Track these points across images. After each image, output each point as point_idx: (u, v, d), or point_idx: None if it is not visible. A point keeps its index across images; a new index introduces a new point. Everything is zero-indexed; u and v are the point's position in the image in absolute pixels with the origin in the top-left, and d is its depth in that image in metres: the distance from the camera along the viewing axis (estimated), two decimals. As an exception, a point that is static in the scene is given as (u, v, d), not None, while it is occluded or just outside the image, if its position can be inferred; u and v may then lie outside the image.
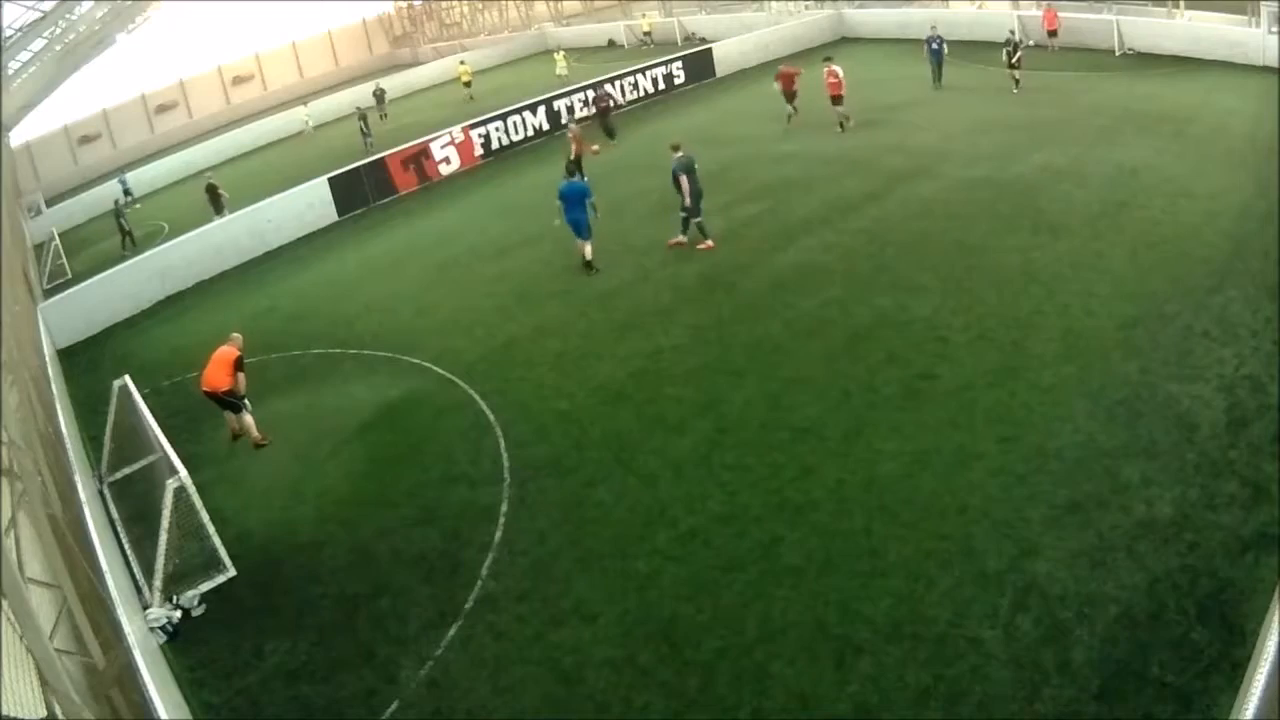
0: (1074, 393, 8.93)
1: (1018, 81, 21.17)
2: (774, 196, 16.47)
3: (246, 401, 11.30)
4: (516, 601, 7.74)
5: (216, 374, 11.09)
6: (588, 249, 14.54)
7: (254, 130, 40.13)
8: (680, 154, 14.48)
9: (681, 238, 14.87)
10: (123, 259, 21.67)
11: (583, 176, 16.69)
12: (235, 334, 11.65)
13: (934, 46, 22.69)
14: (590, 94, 26.16)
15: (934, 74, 22.85)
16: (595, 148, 20.48)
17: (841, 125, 20.03)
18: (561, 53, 36.70)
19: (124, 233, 25.67)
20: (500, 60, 46.56)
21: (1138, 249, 11.71)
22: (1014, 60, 21.16)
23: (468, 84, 37.09)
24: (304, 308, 16.25)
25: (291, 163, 31.12)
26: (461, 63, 39.96)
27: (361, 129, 31.56)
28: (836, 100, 19.96)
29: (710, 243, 14.55)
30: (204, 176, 26.79)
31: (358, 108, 34.11)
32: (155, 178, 35.19)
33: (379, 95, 38.27)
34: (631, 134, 24.26)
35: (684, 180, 14.32)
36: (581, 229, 14.45)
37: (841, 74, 19.80)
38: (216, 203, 24.41)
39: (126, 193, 33.57)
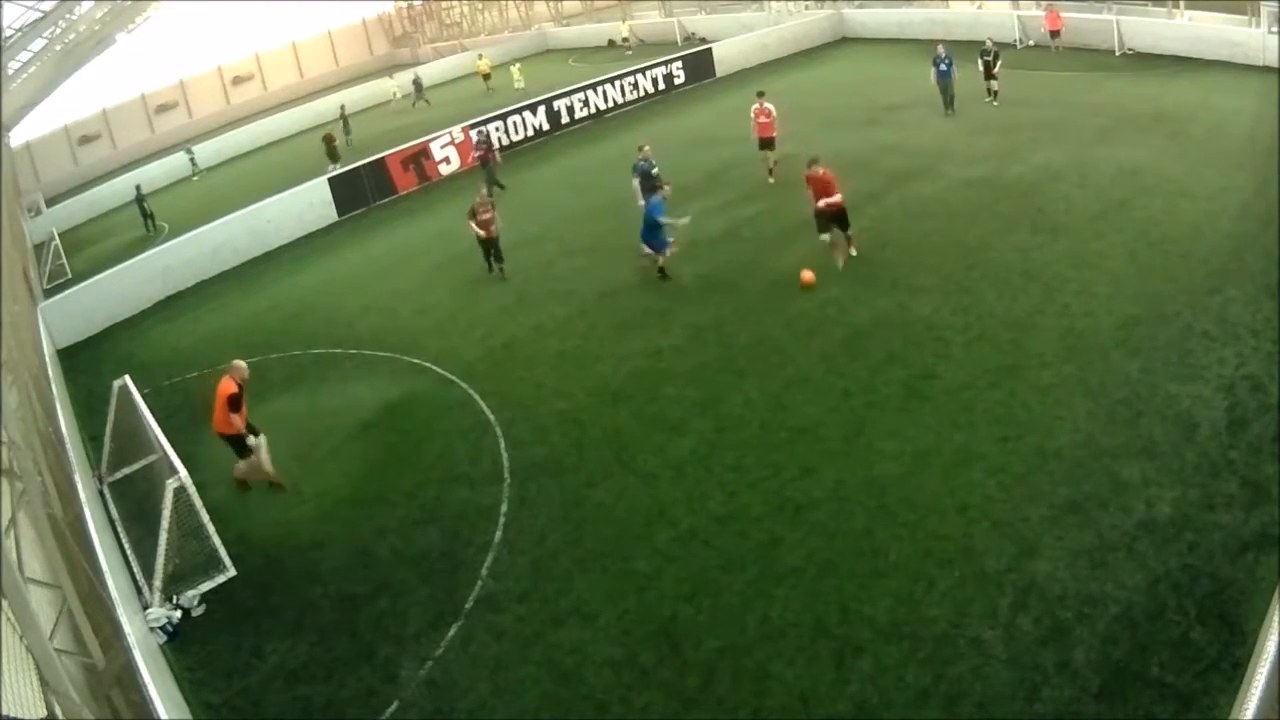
0: (1074, 393, 8.93)
1: (995, 93, 20.01)
2: (774, 196, 16.48)
3: (252, 439, 10.15)
4: (516, 601, 7.75)
5: (219, 415, 10.08)
6: (662, 257, 13.66)
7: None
8: (640, 156, 14.80)
9: (648, 251, 13.82)
10: (148, 243, 22.50)
11: (499, 262, 15.05)
12: (237, 362, 10.41)
13: (942, 68, 19.52)
14: (475, 135, 23.09)
15: (944, 99, 19.88)
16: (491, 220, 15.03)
17: (770, 173, 17.33)
18: (517, 65, 35.92)
19: (146, 216, 27.20)
20: (500, 60, 46.53)
21: (1138, 249, 11.71)
22: (993, 70, 19.90)
23: (487, 76, 37.46)
24: (304, 308, 16.25)
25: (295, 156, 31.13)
26: (480, 56, 40.56)
27: (344, 128, 32.31)
28: (767, 144, 17.24)
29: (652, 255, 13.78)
30: (322, 129, 30.50)
31: (342, 107, 34.78)
32: (155, 177, 35.15)
33: (418, 84, 39.29)
34: (631, 134, 24.21)
35: (636, 182, 14.53)
36: (654, 245, 13.58)
37: (775, 112, 17.12)
38: (333, 153, 26.97)
39: (193, 162, 36.38)
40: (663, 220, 13.37)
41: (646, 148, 15.75)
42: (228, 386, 10.03)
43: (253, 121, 42.37)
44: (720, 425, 9.63)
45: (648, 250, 13.56)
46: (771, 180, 17.25)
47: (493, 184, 20.00)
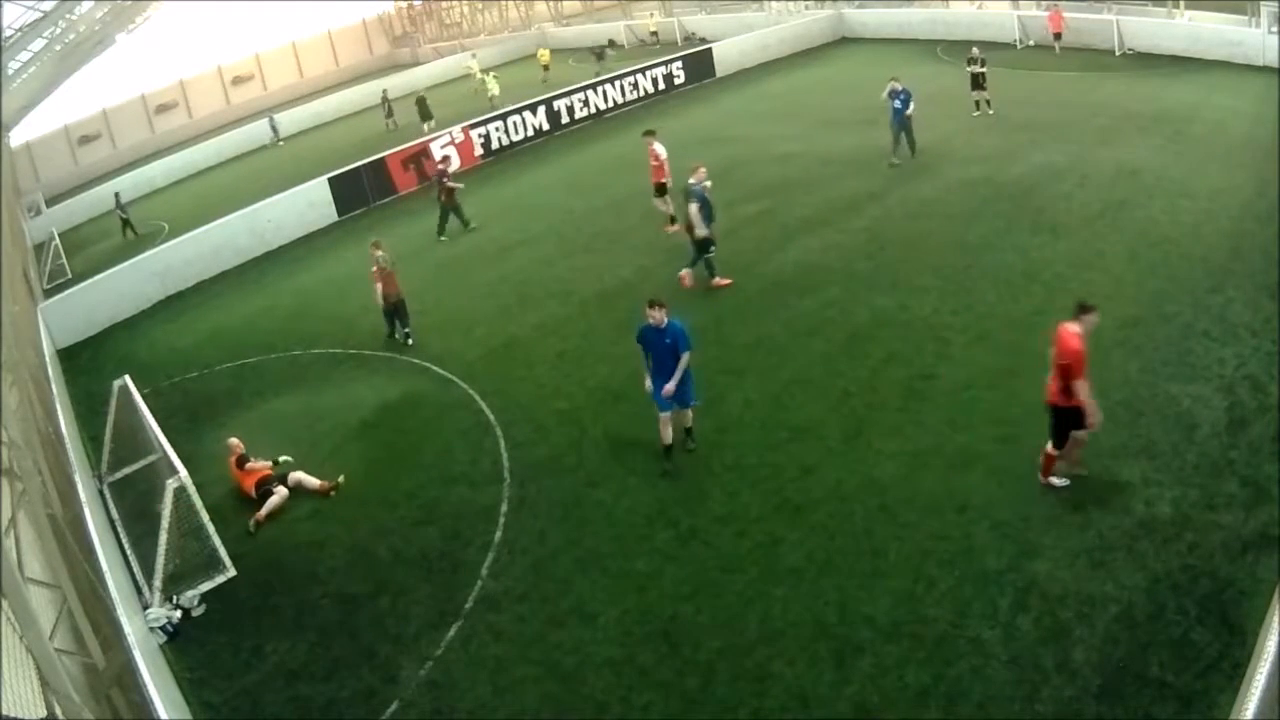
0: (1074, 393, 8.91)
1: (988, 104, 19.23)
2: (774, 196, 16.48)
3: (275, 489, 10.00)
4: (516, 601, 7.75)
5: (246, 486, 10.24)
6: (686, 417, 9.07)
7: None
8: (695, 180, 12.56)
9: (687, 272, 13.05)
10: (128, 248, 22.77)
11: (405, 331, 13.06)
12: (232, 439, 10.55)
13: (896, 105, 16.65)
14: (434, 165, 20.19)
15: (894, 141, 16.91)
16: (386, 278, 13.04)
17: (672, 220, 15.02)
18: (492, 74, 34.16)
19: (124, 222, 27.49)
20: (500, 60, 46.60)
21: (1138, 249, 11.71)
22: (981, 81, 19.10)
23: (546, 67, 37.33)
24: (304, 307, 16.25)
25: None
26: (540, 49, 40.68)
27: (386, 112, 34.20)
28: (660, 190, 15.21)
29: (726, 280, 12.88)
30: (416, 92, 33.01)
31: (385, 91, 36.02)
32: (154, 178, 35.16)
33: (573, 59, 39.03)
34: (632, 134, 24.25)
35: (694, 208, 12.44)
36: (680, 395, 8.73)
37: (664, 154, 14.91)
38: (425, 112, 29.55)
39: (274, 129, 38.73)
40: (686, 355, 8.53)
41: (702, 169, 12.76)
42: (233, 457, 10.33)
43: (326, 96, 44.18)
44: (720, 425, 9.62)
45: (666, 410, 8.77)
46: (672, 229, 15.04)
47: (457, 218, 18.30)
